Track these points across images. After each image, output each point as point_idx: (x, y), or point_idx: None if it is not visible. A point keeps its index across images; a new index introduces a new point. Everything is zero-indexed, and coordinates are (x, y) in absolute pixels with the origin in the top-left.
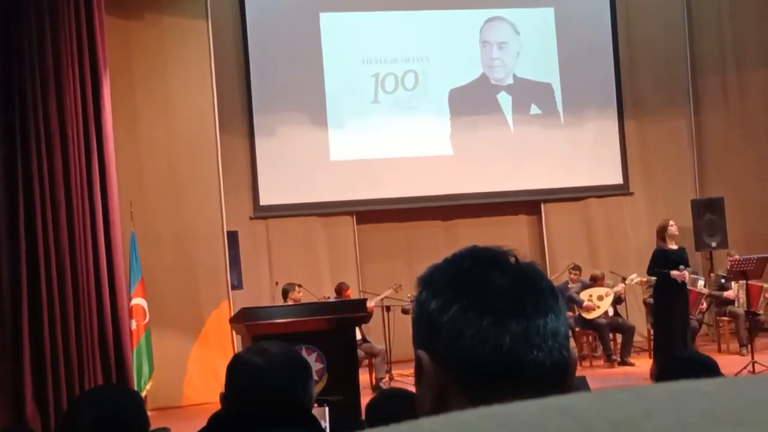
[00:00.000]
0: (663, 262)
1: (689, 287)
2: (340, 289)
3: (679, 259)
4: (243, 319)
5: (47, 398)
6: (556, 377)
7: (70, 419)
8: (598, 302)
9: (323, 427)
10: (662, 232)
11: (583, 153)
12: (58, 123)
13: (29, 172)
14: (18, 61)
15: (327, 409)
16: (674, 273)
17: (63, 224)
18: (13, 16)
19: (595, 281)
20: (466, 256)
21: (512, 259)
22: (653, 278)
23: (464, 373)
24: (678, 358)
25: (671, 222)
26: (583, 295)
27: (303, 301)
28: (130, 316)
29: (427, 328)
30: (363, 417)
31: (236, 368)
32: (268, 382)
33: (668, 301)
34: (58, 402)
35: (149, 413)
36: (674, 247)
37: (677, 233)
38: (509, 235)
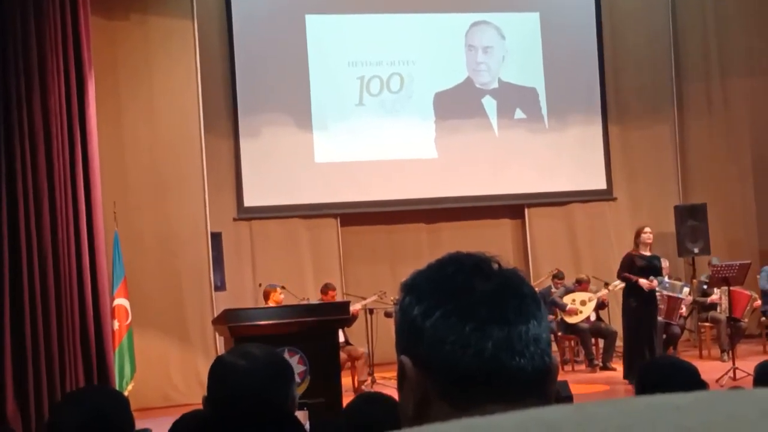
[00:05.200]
0: (629, 267)
1: (668, 294)
2: (325, 290)
3: (647, 265)
4: (225, 320)
5: (28, 398)
6: (538, 383)
7: (54, 422)
8: (581, 307)
9: (305, 430)
10: (636, 238)
11: (566, 158)
12: (42, 122)
13: (12, 171)
14: (2, 60)
15: (307, 412)
16: (642, 282)
17: (46, 224)
18: (6, 13)
19: (580, 284)
20: (449, 262)
21: (495, 266)
22: None
23: (446, 379)
24: (658, 363)
25: (645, 229)
26: (567, 299)
27: (285, 303)
28: (113, 317)
29: (409, 334)
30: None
31: (218, 371)
32: (250, 385)
33: (634, 306)
34: (39, 401)
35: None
36: (646, 253)
37: (650, 240)
38: (493, 239)
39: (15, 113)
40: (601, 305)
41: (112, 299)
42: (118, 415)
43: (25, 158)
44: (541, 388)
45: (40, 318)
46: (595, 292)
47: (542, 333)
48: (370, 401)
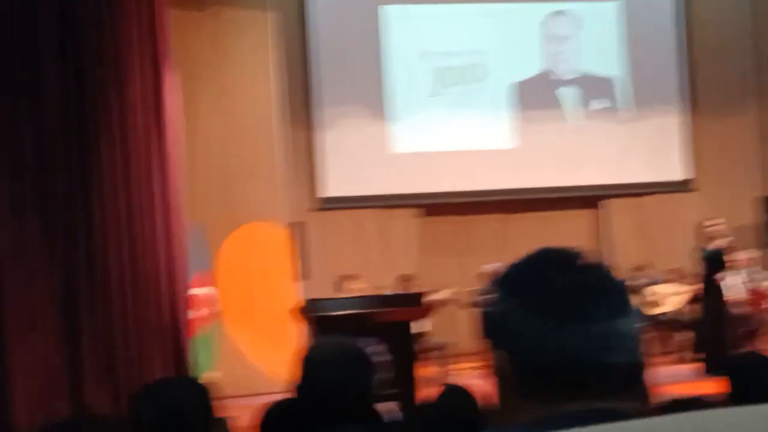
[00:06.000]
0: (697, 259)
1: (754, 286)
2: (403, 280)
3: (708, 257)
4: (307, 310)
5: (105, 384)
6: (624, 379)
7: (135, 412)
8: (666, 299)
9: (386, 420)
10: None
11: (644, 149)
12: (119, 114)
13: (89, 163)
14: (81, 53)
15: (389, 404)
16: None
17: (124, 215)
18: (78, 8)
19: (673, 277)
20: (536, 257)
21: (582, 261)
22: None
23: (529, 374)
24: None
25: (708, 221)
26: (652, 290)
27: (361, 293)
28: (196, 306)
29: (494, 327)
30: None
31: (305, 361)
32: (334, 376)
33: (707, 299)
34: (117, 389)
35: (213, 403)
36: (715, 245)
37: (715, 233)
38: (568, 231)
39: (93, 105)
40: (693, 299)
41: (191, 288)
42: (198, 408)
43: (102, 153)
44: (628, 384)
45: (117, 307)
46: (689, 285)
47: (629, 328)
48: (455, 393)
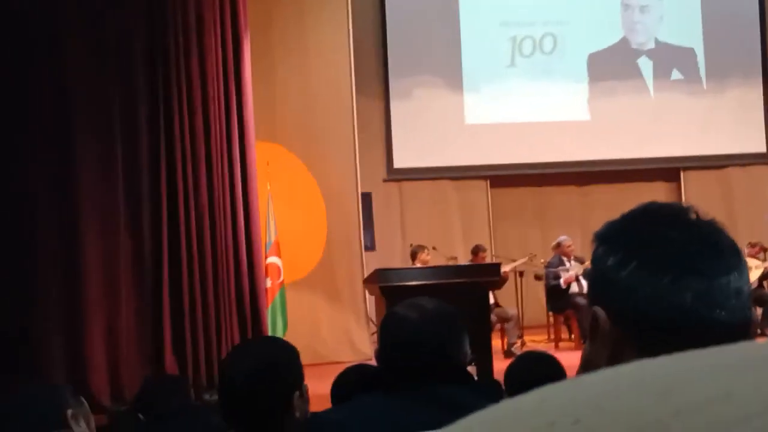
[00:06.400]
0: None
1: None
2: (476, 251)
3: None
4: (377, 280)
5: (185, 352)
6: (738, 337)
7: (225, 371)
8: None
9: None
10: None
11: (725, 120)
12: (200, 82)
13: (171, 131)
14: (161, 22)
15: (475, 367)
16: None
17: (203, 182)
18: None
19: (753, 251)
20: (644, 212)
21: (692, 216)
22: None
23: (642, 332)
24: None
25: None
26: None
27: (432, 263)
28: (266, 275)
29: (602, 285)
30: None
31: (391, 323)
32: (423, 337)
33: None
34: (196, 356)
35: None
36: None
37: None
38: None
39: (174, 73)
40: (766, 275)
41: (266, 257)
42: (289, 365)
43: (183, 118)
44: (738, 341)
45: (197, 275)
46: (763, 260)
47: (743, 285)
48: (534, 359)
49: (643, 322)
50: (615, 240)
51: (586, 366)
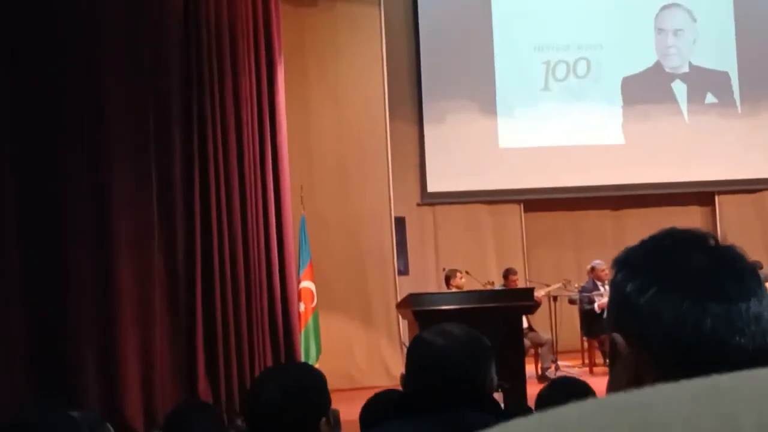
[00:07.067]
0: None
1: None
2: (507, 274)
3: None
4: (410, 304)
5: (219, 376)
6: (759, 363)
7: (255, 394)
8: None
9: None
10: None
11: (760, 144)
12: (233, 107)
13: (205, 156)
14: (196, 47)
15: (501, 394)
16: None
17: (236, 206)
18: (192, 2)
19: None
20: (664, 237)
21: (711, 241)
22: None
23: (663, 357)
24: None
25: None
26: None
27: (466, 288)
28: (299, 299)
29: (622, 310)
30: (532, 406)
31: (417, 347)
32: (449, 363)
33: None
34: (229, 380)
35: None
36: None
37: None
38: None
39: (208, 98)
40: None
41: (299, 281)
42: (317, 391)
43: (217, 143)
44: (757, 368)
45: (230, 299)
46: None
47: (764, 311)
48: (565, 386)
49: (662, 348)
50: (634, 266)
51: (610, 393)
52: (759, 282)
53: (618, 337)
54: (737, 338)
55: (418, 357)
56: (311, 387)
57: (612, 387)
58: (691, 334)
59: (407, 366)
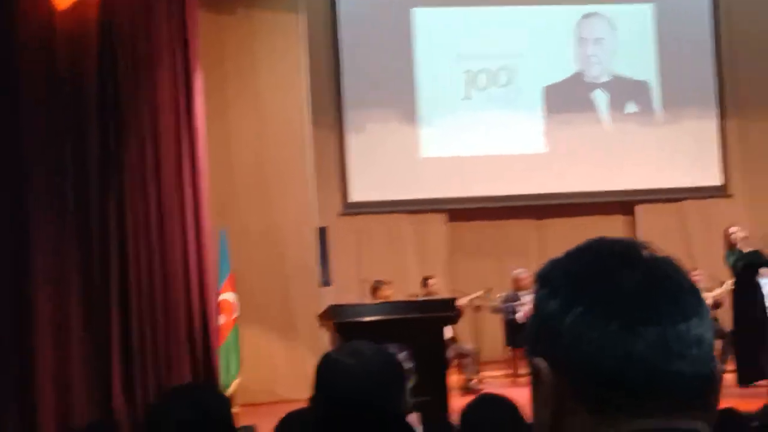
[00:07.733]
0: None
1: None
2: (425, 282)
3: (745, 259)
4: (331, 316)
5: (135, 392)
6: (699, 393)
7: (153, 421)
8: None
9: None
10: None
11: (680, 153)
12: (150, 118)
13: (121, 166)
14: (111, 54)
15: (420, 415)
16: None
17: (153, 218)
18: (108, 9)
19: (712, 285)
20: (589, 249)
21: (645, 253)
22: None
23: (587, 385)
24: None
25: (730, 229)
26: None
27: (392, 299)
28: (219, 312)
29: (544, 332)
30: (456, 421)
31: (326, 369)
32: (360, 386)
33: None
34: (146, 396)
35: (237, 409)
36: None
37: (736, 240)
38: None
39: (124, 107)
40: (715, 305)
41: (218, 294)
42: (218, 416)
43: (134, 153)
44: (702, 398)
45: (146, 315)
46: (710, 290)
47: (705, 333)
48: (490, 403)
49: (590, 374)
50: (558, 281)
51: (535, 423)
52: (699, 300)
53: (540, 363)
54: (675, 364)
55: (325, 379)
56: (212, 410)
57: (536, 419)
58: (619, 361)
59: (315, 387)
